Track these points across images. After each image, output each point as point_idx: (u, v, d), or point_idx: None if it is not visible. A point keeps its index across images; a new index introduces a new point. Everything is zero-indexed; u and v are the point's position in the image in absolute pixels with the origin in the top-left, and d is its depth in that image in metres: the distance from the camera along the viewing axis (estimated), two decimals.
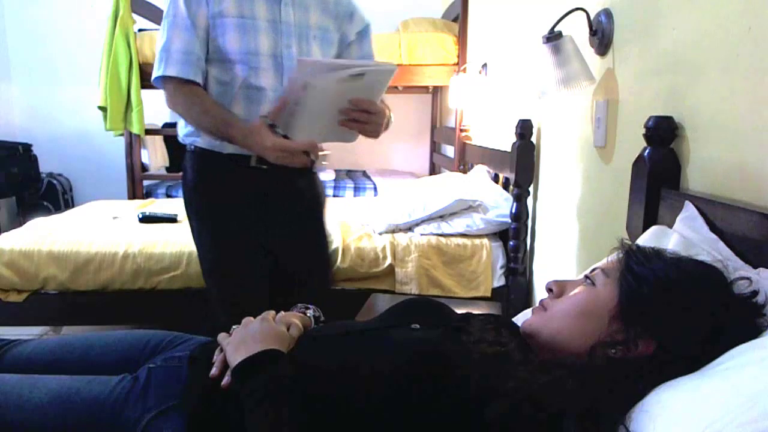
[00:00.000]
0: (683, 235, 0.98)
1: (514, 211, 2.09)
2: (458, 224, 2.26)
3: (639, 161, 1.20)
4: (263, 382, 0.76)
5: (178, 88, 1.32)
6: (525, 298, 2.18)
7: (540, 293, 2.09)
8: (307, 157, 1.25)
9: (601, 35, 1.46)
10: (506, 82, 2.55)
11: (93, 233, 2.22)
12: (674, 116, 1.14)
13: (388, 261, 2.17)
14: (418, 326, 0.88)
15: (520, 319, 1.08)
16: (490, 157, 2.52)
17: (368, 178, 4.13)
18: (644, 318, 0.73)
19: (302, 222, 1.54)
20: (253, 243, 1.46)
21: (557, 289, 0.84)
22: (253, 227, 1.45)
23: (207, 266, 1.52)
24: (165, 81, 1.33)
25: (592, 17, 1.48)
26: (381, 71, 1.29)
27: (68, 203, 4.27)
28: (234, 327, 0.91)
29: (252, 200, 1.44)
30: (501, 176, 2.48)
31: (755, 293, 0.73)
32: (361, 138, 1.40)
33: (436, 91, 4.31)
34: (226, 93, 1.36)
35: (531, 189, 2.11)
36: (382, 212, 2.40)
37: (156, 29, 3.56)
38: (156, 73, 1.33)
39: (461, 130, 3.24)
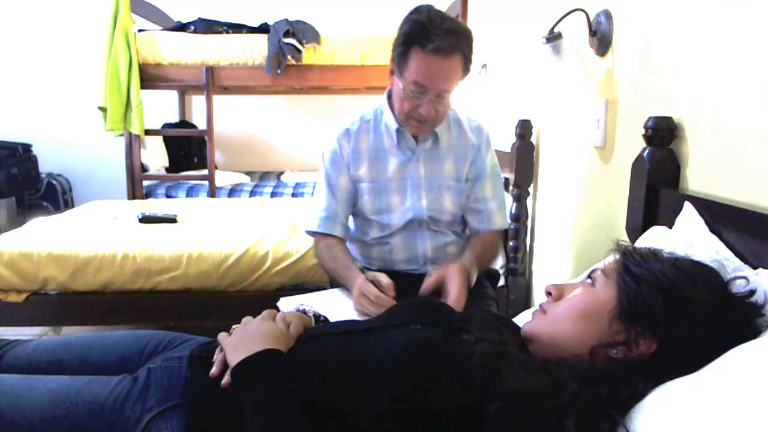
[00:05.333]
0: (683, 236, 0.98)
1: (513, 211, 2.09)
2: None
3: (638, 161, 1.20)
4: (262, 382, 0.76)
5: (319, 240, 1.51)
6: (525, 299, 2.18)
7: (539, 293, 2.09)
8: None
9: (601, 36, 1.46)
10: (506, 82, 2.55)
11: (93, 233, 2.21)
12: (674, 116, 1.14)
13: None
14: (419, 326, 0.88)
15: (520, 319, 1.08)
16: None
17: None
18: (645, 318, 0.73)
19: None
20: None
21: (556, 293, 0.84)
22: None
23: None
24: (311, 233, 1.53)
25: (591, 18, 1.48)
26: None
27: (68, 203, 4.27)
28: (234, 326, 0.91)
29: None
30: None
31: (752, 292, 0.73)
32: None
33: None
34: (368, 244, 1.52)
35: (531, 189, 2.11)
36: None
37: (156, 29, 3.57)
38: (305, 227, 1.56)
39: None
